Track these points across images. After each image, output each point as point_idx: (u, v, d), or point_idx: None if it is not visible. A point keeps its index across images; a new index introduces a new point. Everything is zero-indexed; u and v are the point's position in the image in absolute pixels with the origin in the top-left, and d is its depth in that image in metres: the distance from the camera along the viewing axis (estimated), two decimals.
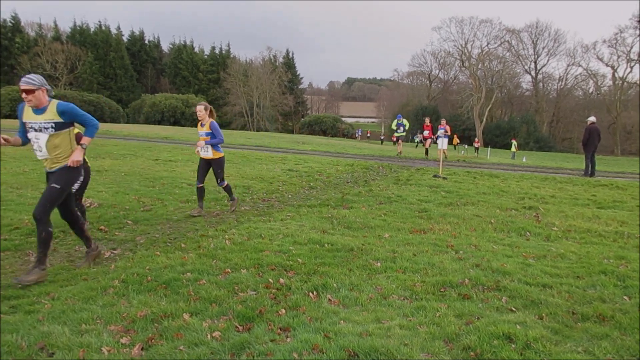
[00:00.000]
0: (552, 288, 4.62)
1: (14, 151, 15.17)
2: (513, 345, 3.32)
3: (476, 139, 46.55)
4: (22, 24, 75.56)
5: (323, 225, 7.22)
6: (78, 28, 78.66)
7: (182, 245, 5.85)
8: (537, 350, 3.27)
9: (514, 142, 40.19)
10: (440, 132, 19.88)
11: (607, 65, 69.97)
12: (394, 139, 23.36)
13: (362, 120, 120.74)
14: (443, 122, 21.18)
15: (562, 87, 77.51)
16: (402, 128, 22.21)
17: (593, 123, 15.86)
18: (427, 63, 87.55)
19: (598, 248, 6.33)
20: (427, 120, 23.12)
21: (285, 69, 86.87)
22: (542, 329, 3.62)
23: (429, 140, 23.05)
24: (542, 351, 3.25)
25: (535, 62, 77.66)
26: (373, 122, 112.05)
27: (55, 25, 78.84)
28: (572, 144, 70.61)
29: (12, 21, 73.67)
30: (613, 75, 70.38)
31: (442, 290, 4.52)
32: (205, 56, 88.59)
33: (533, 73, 78.40)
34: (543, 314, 3.95)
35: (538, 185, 12.28)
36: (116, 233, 6.50)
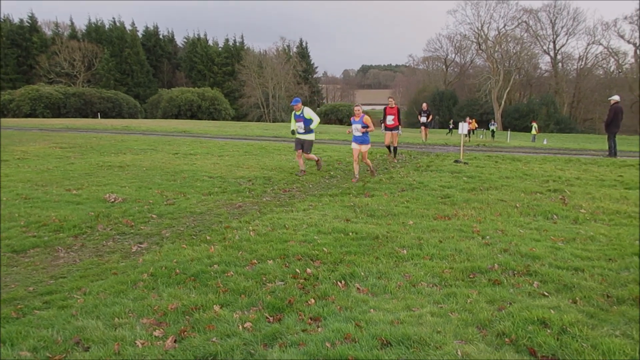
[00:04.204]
0: (584, 271, 4.53)
1: (37, 149, 15.42)
2: (549, 330, 3.27)
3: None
4: (39, 23, 76.55)
5: (346, 213, 7.19)
6: (93, 25, 79.40)
7: (207, 237, 5.89)
8: (573, 334, 3.21)
9: (534, 124, 39.41)
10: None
11: (628, 42, 67.89)
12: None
13: (378, 107, 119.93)
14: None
15: (582, 66, 75.61)
16: (303, 125, 11.10)
17: (617, 102, 15.38)
18: (442, 47, 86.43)
19: (628, 229, 6.19)
20: (391, 102, 14.47)
21: (300, 59, 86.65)
22: (577, 313, 3.55)
23: (388, 134, 14.32)
24: (578, 336, 3.19)
25: (554, 42, 75.81)
26: None
27: (72, 23, 79.86)
28: (593, 124, 69.02)
29: (29, 21, 74.66)
30: (635, 52, 68.34)
31: (471, 276, 4.46)
32: (220, 49, 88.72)
33: (552, 53, 76.54)
34: (577, 298, 3.87)
35: (562, 168, 12.06)
36: (142, 227, 6.56)
